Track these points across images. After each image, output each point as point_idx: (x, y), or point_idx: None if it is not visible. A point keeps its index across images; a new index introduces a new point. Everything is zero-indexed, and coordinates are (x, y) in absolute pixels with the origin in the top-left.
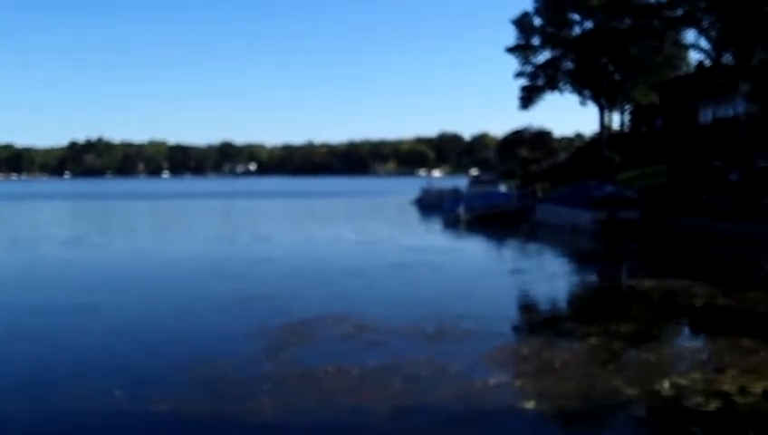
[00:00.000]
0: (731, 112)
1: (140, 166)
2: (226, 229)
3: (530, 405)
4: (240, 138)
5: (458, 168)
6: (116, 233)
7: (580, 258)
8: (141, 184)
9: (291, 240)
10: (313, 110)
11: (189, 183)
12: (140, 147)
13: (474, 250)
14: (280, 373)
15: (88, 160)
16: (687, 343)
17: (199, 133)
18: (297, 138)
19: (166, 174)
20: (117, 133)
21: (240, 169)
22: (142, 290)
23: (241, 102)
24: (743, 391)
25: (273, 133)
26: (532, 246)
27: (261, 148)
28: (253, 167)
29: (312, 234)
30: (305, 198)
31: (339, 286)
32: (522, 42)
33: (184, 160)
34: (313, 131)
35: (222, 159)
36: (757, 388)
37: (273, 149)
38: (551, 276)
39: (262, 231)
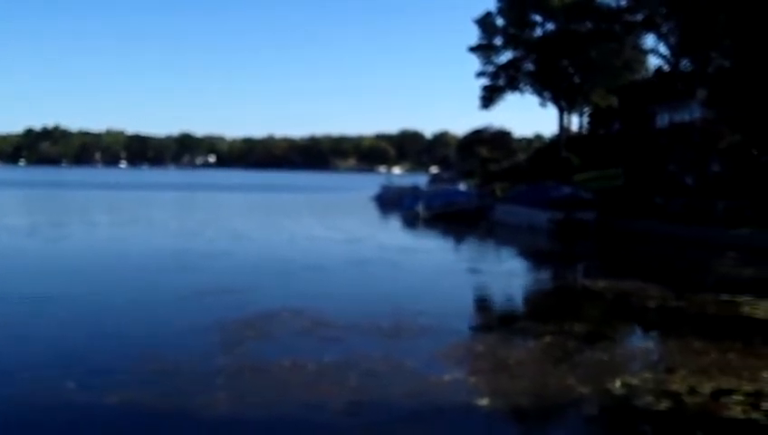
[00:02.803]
0: (687, 118)
1: (97, 155)
2: (184, 222)
3: (484, 402)
4: (200, 129)
5: (419, 165)
6: (72, 223)
7: (536, 258)
8: (98, 173)
9: (249, 234)
10: (274, 103)
11: (147, 174)
12: (98, 136)
13: (432, 248)
14: (235, 367)
15: (44, 148)
16: (639, 343)
17: (158, 123)
18: (258, 131)
19: (123, 164)
20: (74, 122)
21: (199, 160)
22: (97, 281)
23: (201, 94)
24: (692, 391)
25: (233, 126)
26: (490, 245)
27: (221, 140)
28: (212, 159)
29: (270, 228)
30: (265, 192)
31: (296, 281)
32: (484, 42)
33: (142, 151)
34: (274, 125)
35: (181, 151)
36: (706, 388)
37: (234, 142)
38: (507, 275)
39: (220, 224)
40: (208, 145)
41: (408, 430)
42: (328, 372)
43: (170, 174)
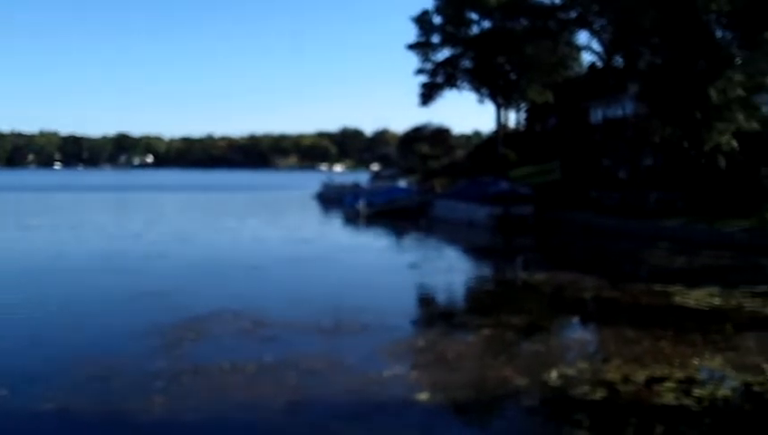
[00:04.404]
0: (620, 113)
1: (30, 157)
2: (122, 223)
3: (424, 396)
4: (137, 129)
5: (360, 163)
6: (2, 228)
7: (475, 252)
8: (31, 176)
9: (188, 235)
10: (213, 102)
11: (83, 175)
12: (31, 137)
13: (373, 245)
14: (173, 370)
15: None
16: (576, 334)
17: (94, 124)
18: (196, 130)
19: (58, 165)
20: (6, 123)
21: (137, 161)
22: (31, 286)
23: (138, 93)
24: (626, 379)
25: (171, 125)
26: (431, 241)
27: (158, 140)
28: (150, 159)
29: (209, 229)
30: (204, 192)
31: (236, 282)
32: (422, 39)
33: (77, 152)
34: (213, 124)
35: (118, 151)
36: (640, 377)
37: (172, 142)
38: (447, 270)
39: (158, 226)
40: (145, 145)
41: (348, 427)
42: (268, 372)
43: (107, 175)
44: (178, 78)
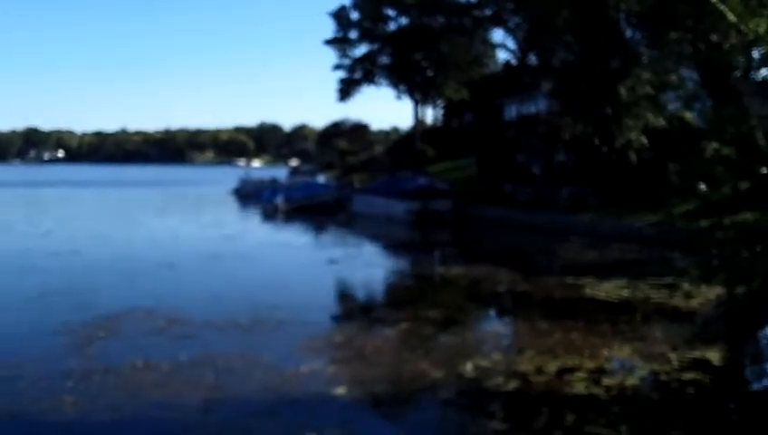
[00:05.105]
0: (533, 109)
1: None
2: (32, 221)
3: (341, 391)
4: (47, 123)
5: (278, 158)
6: None
7: (394, 247)
8: None
9: (99, 231)
10: (127, 95)
11: None
12: None
13: (291, 241)
14: (84, 370)
15: None
16: (491, 326)
17: (1, 118)
18: (110, 125)
19: None
20: None
21: (47, 156)
22: None
23: (48, 85)
24: (539, 370)
25: (83, 119)
26: (349, 236)
27: (70, 134)
28: (61, 154)
29: (122, 225)
30: (118, 188)
31: (150, 280)
32: (339, 35)
33: None
34: (127, 119)
35: (27, 146)
36: (551, 367)
37: (84, 136)
38: (366, 265)
39: (69, 222)
40: (56, 140)
41: (265, 423)
42: (183, 370)
43: (16, 170)
44: (89, 71)
